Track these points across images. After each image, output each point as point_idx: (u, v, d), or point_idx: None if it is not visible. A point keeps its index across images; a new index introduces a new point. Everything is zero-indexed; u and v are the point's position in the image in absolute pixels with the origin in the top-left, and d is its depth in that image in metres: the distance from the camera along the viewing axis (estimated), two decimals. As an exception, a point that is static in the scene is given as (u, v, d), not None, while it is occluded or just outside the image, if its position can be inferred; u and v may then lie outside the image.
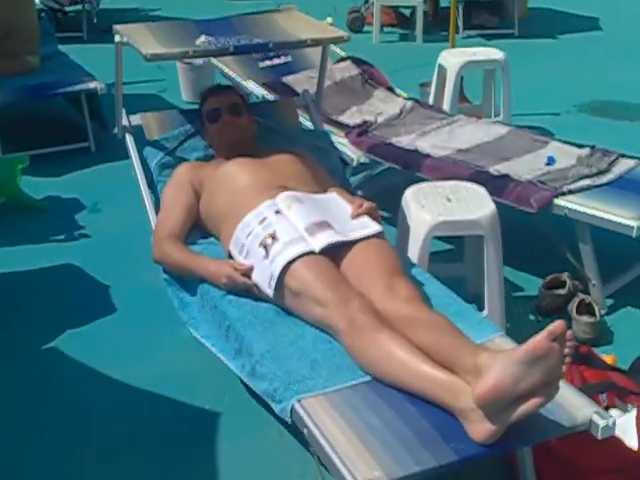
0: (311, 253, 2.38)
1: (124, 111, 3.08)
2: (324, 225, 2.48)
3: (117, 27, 3.01)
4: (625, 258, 3.40)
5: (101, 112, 4.83)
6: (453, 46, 5.63)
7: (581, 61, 6.77)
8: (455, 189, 3.02)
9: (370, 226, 2.51)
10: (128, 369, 2.89)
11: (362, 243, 2.45)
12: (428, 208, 2.88)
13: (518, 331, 2.98)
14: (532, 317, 3.18)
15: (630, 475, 2.05)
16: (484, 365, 1.85)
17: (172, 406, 2.72)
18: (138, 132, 3.12)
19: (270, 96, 4.06)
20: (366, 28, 7.91)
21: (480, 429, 1.84)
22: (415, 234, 2.83)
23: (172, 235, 2.73)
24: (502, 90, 4.88)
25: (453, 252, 3.46)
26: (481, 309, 2.89)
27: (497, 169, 3.37)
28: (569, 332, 1.78)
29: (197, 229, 2.84)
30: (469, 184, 3.06)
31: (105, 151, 4.79)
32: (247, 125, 2.97)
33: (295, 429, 2.10)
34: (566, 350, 1.78)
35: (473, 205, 2.89)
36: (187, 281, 2.69)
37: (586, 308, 3.05)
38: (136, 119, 3.12)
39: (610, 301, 3.23)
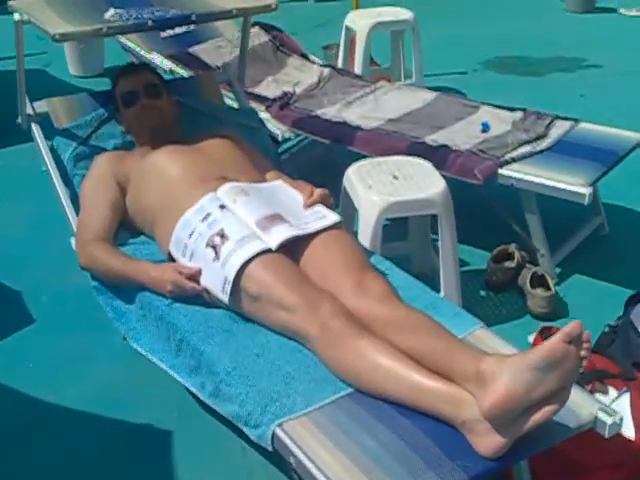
0: (267, 251, 2.15)
1: (27, 98, 2.72)
2: (277, 219, 2.24)
3: (13, 3, 2.64)
4: (566, 224, 3.32)
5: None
6: (357, 7, 5.43)
7: (482, 18, 6.68)
8: (400, 165, 2.84)
9: (327, 216, 2.29)
10: (59, 388, 2.59)
11: (321, 236, 2.23)
12: (376, 188, 2.68)
13: (472, 309, 2.84)
14: (483, 293, 3.05)
15: (631, 469, 1.95)
16: (489, 372, 1.68)
17: (113, 427, 2.45)
18: (44, 120, 2.77)
19: (179, 70, 3.74)
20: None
21: (488, 442, 1.67)
22: (365, 217, 2.63)
23: (99, 237, 2.43)
24: (413, 51, 4.72)
25: (394, 230, 3.29)
26: (433, 289, 2.74)
27: (434, 139, 3.20)
28: (586, 333, 1.63)
29: (124, 227, 2.54)
30: (413, 159, 2.87)
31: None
32: (168, 107, 2.67)
33: (259, 445, 1.88)
34: (583, 352, 1.63)
35: (422, 182, 2.71)
36: (122, 288, 2.40)
37: (539, 281, 2.94)
38: (41, 106, 2.76)
39: (557, 270, 3.14)
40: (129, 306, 2.39)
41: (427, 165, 2.83)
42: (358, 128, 3.36)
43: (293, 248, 2.19)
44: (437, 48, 5.51)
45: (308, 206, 2.33)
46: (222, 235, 2.19)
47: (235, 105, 3.13)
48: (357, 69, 4.56)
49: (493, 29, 6.38)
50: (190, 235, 2.26)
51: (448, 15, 6.86)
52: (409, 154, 3.10)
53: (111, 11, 2.63)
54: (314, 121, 3.47)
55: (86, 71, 5.36)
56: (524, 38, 6.13)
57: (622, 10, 6.86)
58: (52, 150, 2.71)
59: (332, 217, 2.28)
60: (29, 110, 2.72)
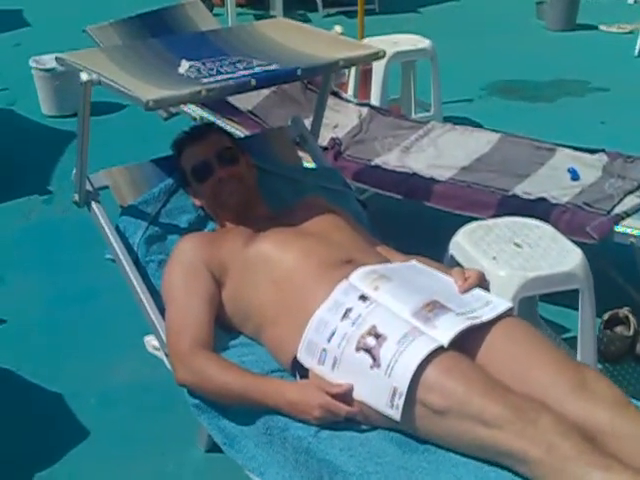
0: (439, 349, 1.74)
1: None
2: (437, 307, 1.83)
3: (65, 57, 2.16)
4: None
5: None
6: (363, 36, 5.05)
7: (463, 41, 6.39)
8: (516, 229, 2.47)
9: (494, 302, 1.90)
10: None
11: (498, 326, 1.83)
12: (502, 260, 2.31)
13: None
14: (599, 365, 2.72)
15: None
16: None
17: None
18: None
19: (209, 117, 3.29)
20: (216, 10, 7.12)
21: None
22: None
23: (200, 344, 1.97)
24: (432, 82, 4.40)
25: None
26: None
27: (526, 191, 2.86)
28: None
29: (216, 324, 2.10)
30: (528, 221, 2.51)
31: None
32: (248, 172, 2.25)
33: None
34: None
35: (553, 251, 2.36)
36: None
37: (666, 351, 2.64)
38: (99, 179, 2.28)
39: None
40: (245, 428, 1.94)
41: (548, 229, 2.47)
42: (432, 180, 2.99)
43: (467, 342, 1.79)
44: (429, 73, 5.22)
45: (465, 290, 1.93)
46: (376, 334, 1.77)
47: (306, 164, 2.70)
48: (374, 102, 4.21)
49: (479, 52, 6.11)
50: (330, 338, 1.83)
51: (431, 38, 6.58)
52: (502, 209, 2.76)
53: (185, 64, 2.17)
54: (377, 173, 3.08)
55: (62, 110, 4.80)
56: (516, 60, 5.90)
57: (603, 27, 6.71)
58: (117, 232, 2.23)
59: (503, 303, 1.89)
60: (87, 185, 2.23)
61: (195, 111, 3.35)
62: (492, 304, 1.88)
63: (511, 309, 1.89)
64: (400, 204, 3.09)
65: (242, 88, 2.04)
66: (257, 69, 2.13)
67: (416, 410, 1.71)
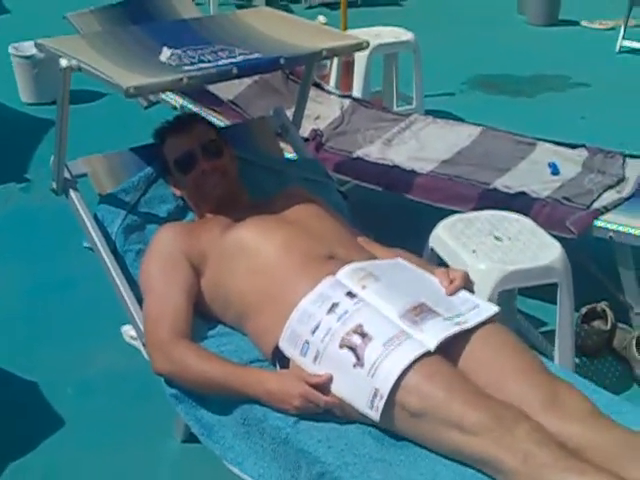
0: (425, 354, 1.74)
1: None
2: (425, 310, 1.83)
3: (45, 42, 2.13)
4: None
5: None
6: (345, 28, 5.03)
7: (442, 33, 6.38)
8: (495, 222, 2.48)
9: (481, 306, 1.89)
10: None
11: (480, 331, 1.83)
12: (482, 253, 2.31)
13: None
14: (577, 359, 2.73)
15: None
16: None
17: None
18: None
19: (190, 106, 3.26)
20: None
21: None
22: (476, 290, 2.26)
23: (178, 334, 1.96)
24: (414, 75, 4.39)
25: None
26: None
27: (506, 185, 2.86)
28: None
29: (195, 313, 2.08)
30: (508, 214, 2.51)
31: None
32: (230, 164, 2.23)
33: None
34: None
35: (532, 244, 2.36)
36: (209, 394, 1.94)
37: (644, 344, 2.65)
38: (78, 166, 2.25)
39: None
40: (222, 418, 1.93)
41: (528, 222, 2.48)
42: (413, 172, 2.98)
43: (448, 347, 1.79)
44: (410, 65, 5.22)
45: (452, 293, 1.93)
46: (362, 333, 1.77)
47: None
48: (356, 94, 4.19)
49: (461, 45, 6.11)
50: (314, 330, 1.82)
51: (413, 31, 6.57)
52: (482, 203, 2.76)
53: (166, 52, 2.15)
54: (358, 164, 3.07)
55: (41, 97, 4.75)
56: (497, 55, 5.91)
57: (584, 23, 6.73)
58: (95, 221, 2.21)
59: (489, 307, 1.89)
60: (66, 173, 2.20)
61: (176, 100, 3.32)
62: (478, 308, 1.88)
63: (497, 314, 1.89)
64: (381, 196, 3.09)
65: (224, 76, 2.03)
66: (239, 58, 2.12)
67: (395, 412, 1.71)
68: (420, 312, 1.82)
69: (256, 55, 2.12)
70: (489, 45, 6.12)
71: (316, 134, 3.22)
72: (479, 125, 3.37)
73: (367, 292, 1.87)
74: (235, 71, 2.01)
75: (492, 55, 5.90)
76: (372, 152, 3.14)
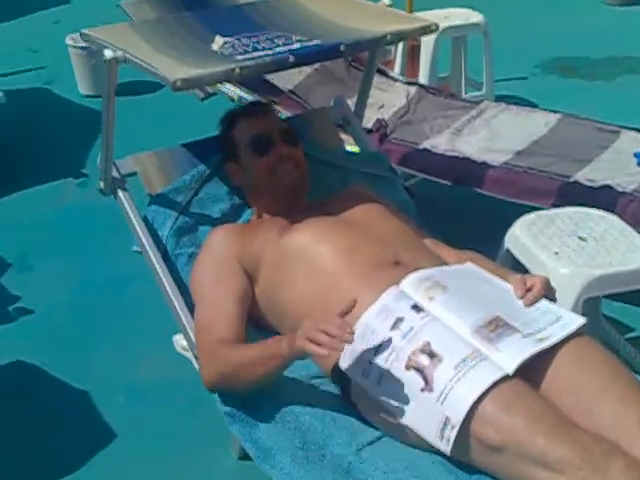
0: (504, 378, 1.55)
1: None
2: (500, 326, 1.63)
3: (91, 33, 2.00)
4: None
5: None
6: (411, 10, 4.80)
7: (515, 14, 6.05)
8: (578, 220, 2.26)
9: (564, 318, 1.69)
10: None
11: (566, 348, 1.63)
12: (565, 256, 2.10)
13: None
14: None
15: None
16: None
17: None
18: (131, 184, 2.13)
19: (249, 96, 3.11)
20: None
21: None
22: (559, 297, 2.05)
23: (231, 341, 1.81)
24: (484, 59, 4.14)
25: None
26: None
27: (589, 178, 2.63)
28: None
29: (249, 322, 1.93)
30: (591, 211, 2.30)
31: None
32: (304, 161, 2.07)
33: None
34: None
35: (621, 245, 2.14)
36: (269, 414, 1.78)
37: None
38: (127, 165, 2.12)
39: None
40: (280, 440, 1.76)
41: (615, 220, 2.26)
42: (485, 165, 2.77)
43: (528, 367, 1.59)
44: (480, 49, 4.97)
45: (531, 303, 1.73)
46: (430, 353, 1.59)
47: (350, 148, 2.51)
48: (423, 81, 3.98)
49: (533, 26, 5.79)
50: (377, 349, 1.65)
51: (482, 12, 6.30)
52: (562, 197, 2.54)
53: (219, 40, 1.99)
54: (426, 157, 2.87)
55: (99, 89, 4.61)
56: (571, 36, 5.56)
57: (665, 0, 6.35)
58: (144, 223, 2.07)
59: (574, 319, 1.69)
60: (114, 172, 2.07)
61: (233, 91, 3.17)
62: (562, 320, 1.67)
63: (583, 326, 1.68)
64: (450, 191, 2.89)
65: (279, 65, 1.86)
66: (296, 45, 1.94)
67: (468, 444, 1.52)
68: (495, 327, 1.63)
69: (315, 42, 1.94)
70: (562, 25, 5.78)
71: (380, 125, 3.02)
72: (556, 112, 3.13)
73: (435, 305, 1.68)
74: (292, 59, 1.83)
75: (566, 36, 5.57)
76: (440, 143, 2.93)
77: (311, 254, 1.85)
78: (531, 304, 1.72)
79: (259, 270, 1.90)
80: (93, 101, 4.65)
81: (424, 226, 2.23)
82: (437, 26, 2.01)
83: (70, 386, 2.47)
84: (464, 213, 3.06)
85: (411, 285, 1.73)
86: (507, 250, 2.26)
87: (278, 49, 1.90)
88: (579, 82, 4.86)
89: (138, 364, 2.53)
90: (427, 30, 2.00)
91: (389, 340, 1.64)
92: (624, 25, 5.85)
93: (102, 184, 2.06)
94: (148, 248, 2.01)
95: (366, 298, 1.72)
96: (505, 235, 2.30)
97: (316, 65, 3.39)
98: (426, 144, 2.93)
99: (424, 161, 2.87)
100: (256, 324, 1.93)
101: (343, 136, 2.49)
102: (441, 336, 1.62)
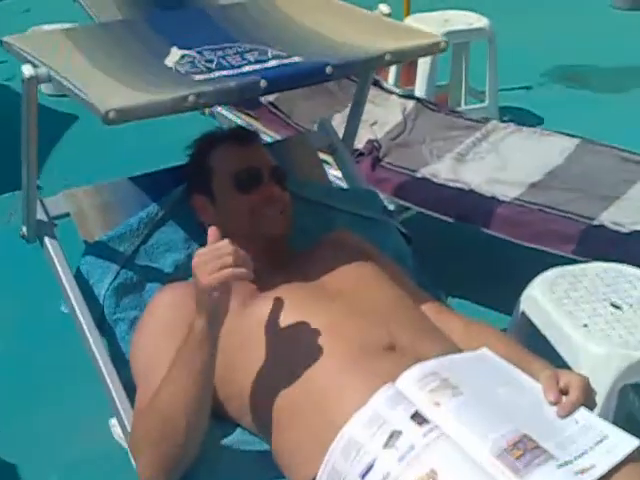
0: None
1: (37, 193, 1.66)
2: (529, 447, 1.22)
3: (14, 41, 1.59)
4: None
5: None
6: (409, 13, 4.39)
7: (518, 16, 5.65)
8: (609, 280, 1.86)
9: (612, 438, 1.29)
10: None
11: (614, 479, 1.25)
12: (597, 329, 1.71)
13: None
14: None
15: None
16: None
17: None
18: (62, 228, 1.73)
19: (229, 112, 2.70)
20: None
21: None
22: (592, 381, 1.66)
23: None
24: (488, 67, 3.76)
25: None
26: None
27: (615, 221, 2.24)
28: None
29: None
30: (625, 268, 1.90)
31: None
32: (290, 209, 1.69)
33: None
34: None
35: (664, 316, 1.76)
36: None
37: None
38: (57, 203, 1.70)
39: None
40: None
41: (652, 281, 1.87)
42: (493, 200, 2.38)
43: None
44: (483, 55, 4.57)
45: (567, 415, 1.33)
46: (435, 482, 1.20)
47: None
48: (419, 91, 3.60)
49: (537, 30, 5.40)
50: (365, 474, 1.25)
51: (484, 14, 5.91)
52: (586, 244, 2.17)
53: (175, 53, 1.58)
54: (424, 187, 2.48)
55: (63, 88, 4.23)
56: (579, 43, 5.17)
57: (677, 5, 5.96)
58: (77, 278, 1.66)
59: (625, 441, 1.28)
60: (40, 214, 1.66)
61: (231, 115, 2.76)
62: (607, 440, 1.27)
63: (637, 448, 1.28)
64: (452, 230, 2.49)
65: (248, 91, 1.44)
66: (272, 62, 1.54)
67: None
68: (523, 452, 1.23)
69: (294, 59, 1.54)
70: (569, 30, 5.38)
71: (372, 146, 2.62)
72: (574, 137, 2.73)
73: (442, 414, 1.28)
74: (263, 84, 1.42)
75: (573, 42, 5.18)
76: (441, 171, 2.54)
77: (281, 334, 1.46)
78: (567, 414, 1.32)
79: (218, 345, 1.50)
80: (55, 101, 4.22)
81: (422, 280, 1.85)
82: (447, 43, 1.61)
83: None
84: (468, 257, 2.66)
85: (411, 383, 1.33)
86: (522, 313, 1.87)
87: (248, 67, 1.50)
88: (588, 94, 4.48)
89: (72, 437, 2.11)
90: (435, 49, 1.60)
91: (381, 462, 1.25)
92: (635, 31, 5.47)
93: (24, 229, 1.65)
94: (78, 311, 1.60)
95: (350, 398, 1.33)
96: (519, 290, 1.91)
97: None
98: (425, 172, 2.54)
99: (422, 192, 2.47)
100: (214, 410, 1.53)
101: (323, 156, 2.09)
102: (451, 461, 1.22)
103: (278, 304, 1.49)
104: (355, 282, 1.56)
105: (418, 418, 1.28)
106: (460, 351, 1.49)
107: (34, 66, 1.44)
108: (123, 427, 1.55)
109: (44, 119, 1.59)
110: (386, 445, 1.26)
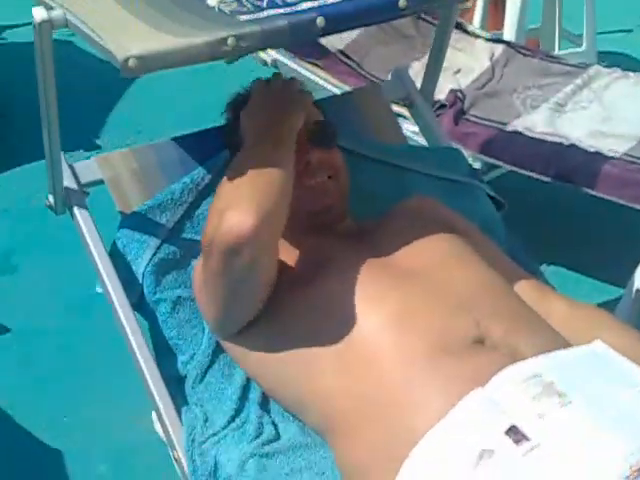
0: None
1: (64, 157, 1.45)
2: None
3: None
4: None
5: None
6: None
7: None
8: None
9: None
10: None
11: None
12: None
13: None
14: None
15: None
16: None
17: None
18: (96, 196, 1.51)
19: (293, 62, 2.44)
20: None
21: None
22: None
23: None
24: (585, 6, 3.38)
25: None
26: None
27: None
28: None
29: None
30: None
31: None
32: (343, 168, 1.42)
33: None
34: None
35: None
36: None
37: None
38: (89, 169, 1.48)
39: None
40: None
41: None
42: (598, 155, 2.07)
43: None
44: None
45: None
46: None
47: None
48: (507, 34, 3.25)
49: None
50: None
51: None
52: None
53: (212, -8, 1.32)
54: (516, 142, 2.18)
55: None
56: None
57: None
58: (113, 254, 1.45)
59: None
60: (68, 181, 1.44)
61: (267, 52, 2.50)
62: None
63: None
64: (550, 190, 2.18)
65: (302, 32, 1.17)
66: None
67: None
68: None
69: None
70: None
71: (456, 97, 2.32)
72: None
73: (547, 428, 1.02)
74: (320, 22, 1.15)
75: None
76: (536, 123, 2.23)
77: (344, 322, 1.21)
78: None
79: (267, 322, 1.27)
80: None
81: (516, 253, 1.57)
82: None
83: (40, 441, 1.90)
84: (571, 224, 2.33)
85: (506, 388, 1.07)
86: (638, 290, 1.57)
87: (305, 5, 1.22)
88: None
89: (131, 421, 1.92)
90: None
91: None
92: None
93: (50, 198, 1.44)
94: (112, 292, 1.38)
95: (427, 407, 1.08)
96: (632, 263, 1.62)
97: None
98: (517, 124, 2.24)
99: (514, 148, 2.17)
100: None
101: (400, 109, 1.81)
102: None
103: (336, 286, 1.24)
104: (435, 260, 1.30)
105: (515, 434, 1.02)
106: (567, 345, 1.22)
107: (48, 8, 1.20)
108: (163, 424, 1.34)
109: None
110: (476, 465, 1.00)
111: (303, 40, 1.39)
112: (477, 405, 1.06)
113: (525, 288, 1.37)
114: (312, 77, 2.40)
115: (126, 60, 1.05)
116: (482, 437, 1.03)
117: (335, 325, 1.22)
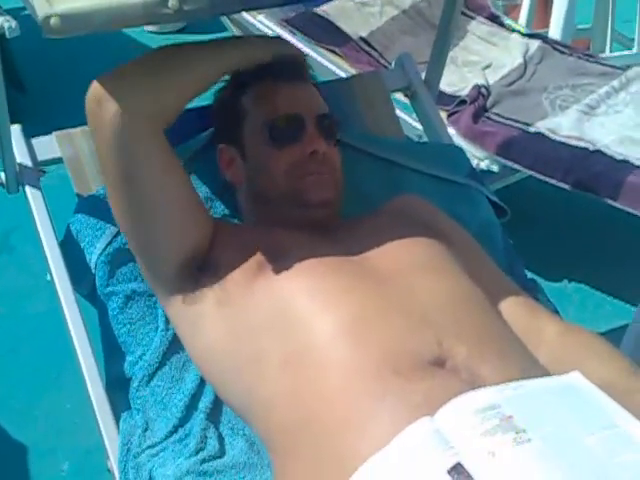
0: None
1: (20, 130, 1.34)
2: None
3: None
4: None
5: (14, 66, 3.01)
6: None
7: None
8: None
9: None
10: None
11: None
12: None
13: None
14: None
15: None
16: None
17: None
18: (52, 177, 1.40)
19: (310, 49, 2.31)
20: None
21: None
22: None
23: None
24: (638, 10, 3.19)
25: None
26: None
27: None
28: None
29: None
30: None
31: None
32: (340, 165, 1.29)
33: None
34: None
35: None
36: None
37: None
38: (47, 146, 1.37)
39: None
40: None
41: None
42: (625, 164, 1.89)
43: None
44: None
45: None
46: None
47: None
48: (554, 32, 3.07)
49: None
50: None
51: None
52: None
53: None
54: (538, 144, 2.01)
55: (164, 26, 3.94)
56: None
57: None
58: (66, 240, 1.34)
59: None
60: (21, 157, 1.33)
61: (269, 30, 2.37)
62: None
63: None
64: (568, 199, 2.01)
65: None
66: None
67: None
68: None
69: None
70: None
71: (478, 93, 2.16)
72: None
73: (496, 469, 0.87)
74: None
75: None
76: (562, 125, 2.06)
77: (287, 328, 1.07)
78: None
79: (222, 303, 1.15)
80: (157, 38, 3.94)
81: (514, 267, 1.41)
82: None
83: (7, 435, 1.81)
84: (588, 237, 2.15)
85: (457, 419, 0.92)
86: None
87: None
88: None
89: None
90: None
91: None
92: None
93: (2, 175, 1.33)
94: (58, 282, 1.27)
95: (366, 436, 0.95)
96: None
97: (404, 5, 2.55)
98: (541, 126, 2.07)
99: (534, 151, 2.00)
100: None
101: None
102: None
103: (294, 281, 1.11)
104: (403, 264, 1.15)
105: (459, 473, 0.87)
106: (544, 373, 1.06)
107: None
108: (99, 430, 1.23)
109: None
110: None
111: (254, 6, 1.23)
112: (422, 437, 0.92)
113: (512, 305, 1.21)
114: (325, 63, 2.26)
115: (47, 18, 0.93)
116: (423, 474, 0.89)
117: (287, 323, 1.09)
